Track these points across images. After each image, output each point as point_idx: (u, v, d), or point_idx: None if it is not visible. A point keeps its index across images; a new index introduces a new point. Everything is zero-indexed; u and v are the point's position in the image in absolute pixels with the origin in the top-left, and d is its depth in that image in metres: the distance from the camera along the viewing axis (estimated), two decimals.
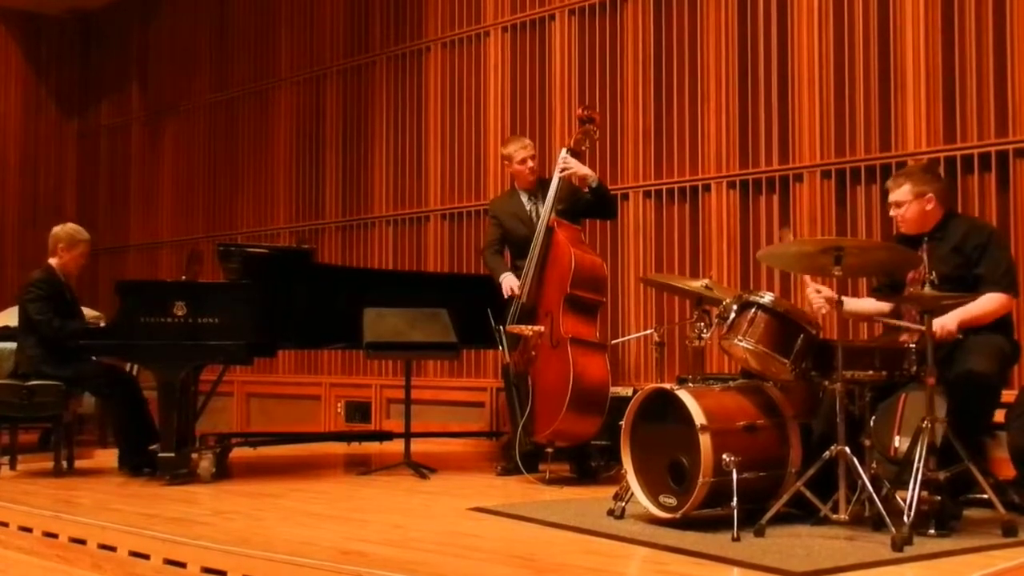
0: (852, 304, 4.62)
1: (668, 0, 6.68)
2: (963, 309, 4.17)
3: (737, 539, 3.70)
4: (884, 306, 4.60)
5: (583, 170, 5.67)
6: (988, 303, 4.26)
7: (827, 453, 3.83)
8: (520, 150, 5.95)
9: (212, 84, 9.93)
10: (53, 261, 6.25)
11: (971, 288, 4.26)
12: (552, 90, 7.27)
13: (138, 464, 5.90)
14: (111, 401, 6.25)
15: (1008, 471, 4.32)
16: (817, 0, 6.03)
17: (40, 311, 5.98)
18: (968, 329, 4.21)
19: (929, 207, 4.42)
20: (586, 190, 5.68)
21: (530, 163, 5.94)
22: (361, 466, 6.36)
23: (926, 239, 4.44)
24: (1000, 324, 4.34)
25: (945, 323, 4.12)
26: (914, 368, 3.91)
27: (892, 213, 4.52)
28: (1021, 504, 4.07)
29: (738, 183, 6.34)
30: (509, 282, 5.73)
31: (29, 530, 4.58)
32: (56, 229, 6.38)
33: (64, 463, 6.05)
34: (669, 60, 6.67)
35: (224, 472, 5.93)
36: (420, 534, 4.04)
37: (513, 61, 7.52)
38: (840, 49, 5.95)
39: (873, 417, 4.09)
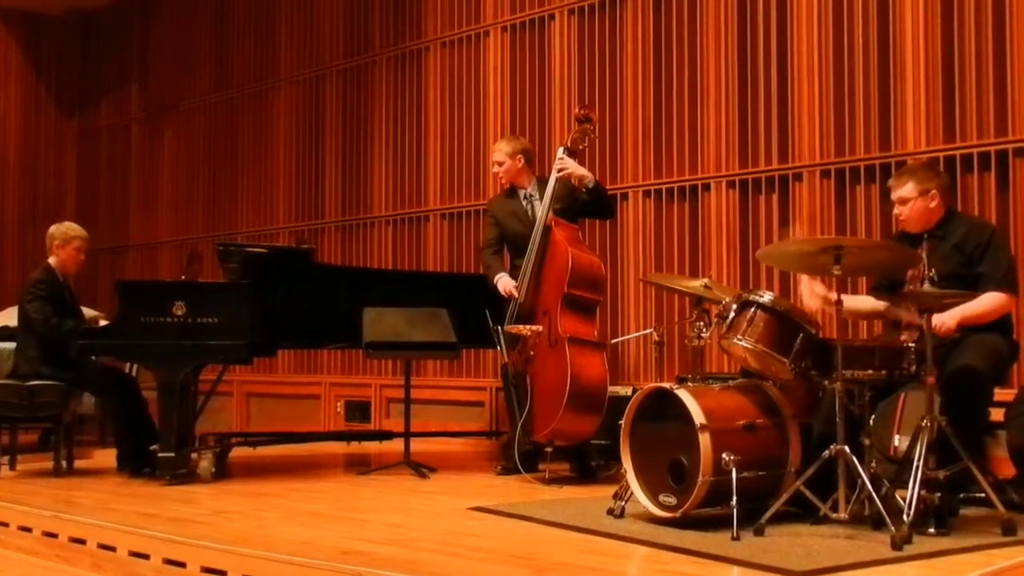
0: (850, 302, 4.61)
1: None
2: (963, 307, 4.18)
3: (737, 538, 3.70)
4: (881, 304, 4.60)
5: (579, 170, 5.66)
6: (989, 302, 4.27)
7: (827, 452, 3.83)
8: (494, 152, 5.96)
9: (212, 84, 9.93)
10: (52, 260, 6.26)
11: (971, 287, 4.26)
12: (552, 90, 7.26)
13: (138, 464, 5.90)
14: (111, 401, 6.25)
15: (1007, 470, 4.32)
16: None
17: (38, 310, 5.98)
18: (967, 328, 4.21)
19: (932, 204, 4.43)
20: (583, 190, 5.68)
21: (496, 167, 5.93)
22: (361, 466, 6.35)
23: (926, 237, 4.45)
24: (999, 324, 4.35)
25: (944, 321, 4.12)
26: (914, 367, 3.91)
27: (896, 211, 4.52)
28: (1020, 503, 4.07)
29: (737, 182, 6.33)
30: (505, 283, 5.72)
31: (29, 530, 4.58)
32: (52, 228, 6.39)
33: (64, 463, 6.05)
34: (669, 59, 6.67)
35: (224, 472, 5.93)
36: (420, 533, 4.04)
37: (513, 61, 7.52)
38: (840, 48, 5.95)
39: (873, 416, 4.09)
